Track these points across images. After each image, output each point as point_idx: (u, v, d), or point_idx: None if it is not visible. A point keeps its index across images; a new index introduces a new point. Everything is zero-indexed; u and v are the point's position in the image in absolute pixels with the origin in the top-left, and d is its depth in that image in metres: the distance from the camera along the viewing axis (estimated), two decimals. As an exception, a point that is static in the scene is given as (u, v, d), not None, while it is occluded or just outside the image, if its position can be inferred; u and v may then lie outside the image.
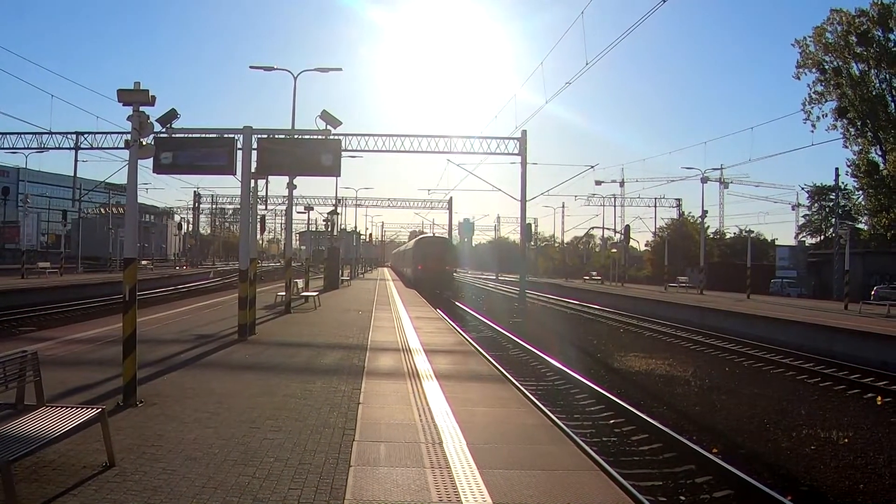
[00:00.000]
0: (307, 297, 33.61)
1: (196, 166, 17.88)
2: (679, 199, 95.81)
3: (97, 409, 7.61)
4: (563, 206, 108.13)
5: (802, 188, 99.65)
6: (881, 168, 73.15)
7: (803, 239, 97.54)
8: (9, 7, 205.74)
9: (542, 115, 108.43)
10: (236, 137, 17.91)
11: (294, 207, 34.43)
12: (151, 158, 14.61)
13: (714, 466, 11.48)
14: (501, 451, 8.56)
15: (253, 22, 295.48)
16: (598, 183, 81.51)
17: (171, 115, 15.00)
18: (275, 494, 6.78)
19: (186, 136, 17.15)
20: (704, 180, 66.57)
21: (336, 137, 19.60)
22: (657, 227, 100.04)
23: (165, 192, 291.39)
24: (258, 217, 27.47)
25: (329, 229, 62.89)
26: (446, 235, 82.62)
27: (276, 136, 19.39)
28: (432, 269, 58.13)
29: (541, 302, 56.19)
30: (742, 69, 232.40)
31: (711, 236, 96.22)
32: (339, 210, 69.95)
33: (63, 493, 6.62)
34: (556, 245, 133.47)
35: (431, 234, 77.85)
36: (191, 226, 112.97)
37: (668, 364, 23.83)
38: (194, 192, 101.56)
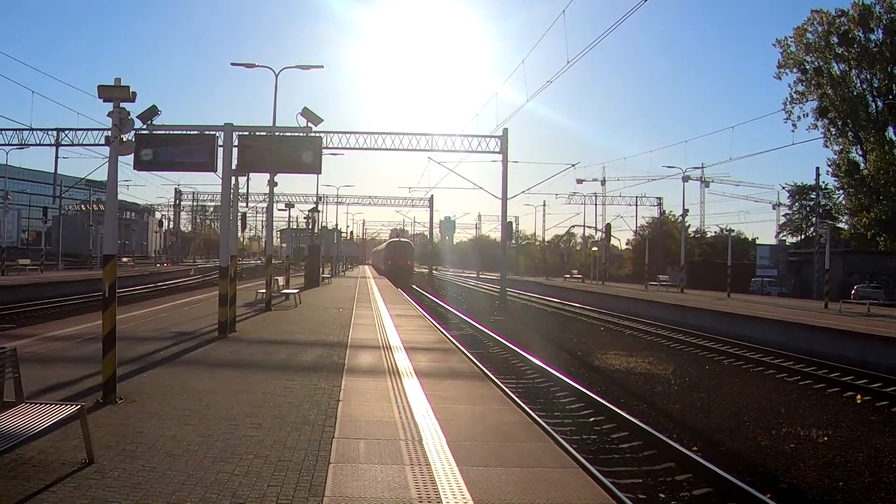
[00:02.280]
0: (288, 294, 33.50)
1: (177, 163, 17.83)
2: (660, 198, 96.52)
3: (76, 405, 7.58)
4: (545, 205, 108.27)
5: (783, 187, 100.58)
6: (862, 168, 73.58)
7: (784, 238, 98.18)
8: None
9: (524, 113, 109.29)
10: (217, 134, 17.85)
11: (275, 205, 34.34)
12: (132, 155, 14.56)
13: (694, 464, 11.51)
14: (481, 448, 8.57)
15: (235, 20, 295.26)
16: (580, 181, 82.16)
17: (152, 112, 14.91)
18: (254, 491, 6.77)
19: (167, 132, 17.03)
20: (685, 179, 66.99)
21: (317, 135, 19.57)
22: (638, 225, 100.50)
23: (146, 189, 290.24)
24: (239, 214, 27.40)
25: (310, 227, 62.78)
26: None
27: (257, 134, 19.31)
28: (398, 263, 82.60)
29: (522, 300, 56.27)
30: (723, 68, 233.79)
31: (692, 235, 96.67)
32: (320, 208, 69.98)
33: (42, 490, 6.57)
34: (538, 243, 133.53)
35: (398, 239, 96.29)
36: (172, 223, 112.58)
37: (648, 362, 23.90)
38: (175, 189, 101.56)
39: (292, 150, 18.47)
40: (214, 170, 17.75)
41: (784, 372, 22.62)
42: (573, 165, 69.94)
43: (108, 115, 10.65)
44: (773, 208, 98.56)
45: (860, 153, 74.98)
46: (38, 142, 51.49)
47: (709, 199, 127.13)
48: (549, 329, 34.41)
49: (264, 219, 77.03)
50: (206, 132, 17.53)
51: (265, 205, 41.70)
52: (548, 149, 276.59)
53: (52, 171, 71.44)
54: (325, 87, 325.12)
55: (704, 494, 10.54)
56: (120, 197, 13.15)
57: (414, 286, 68.34)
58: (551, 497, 6.86)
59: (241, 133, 18.87)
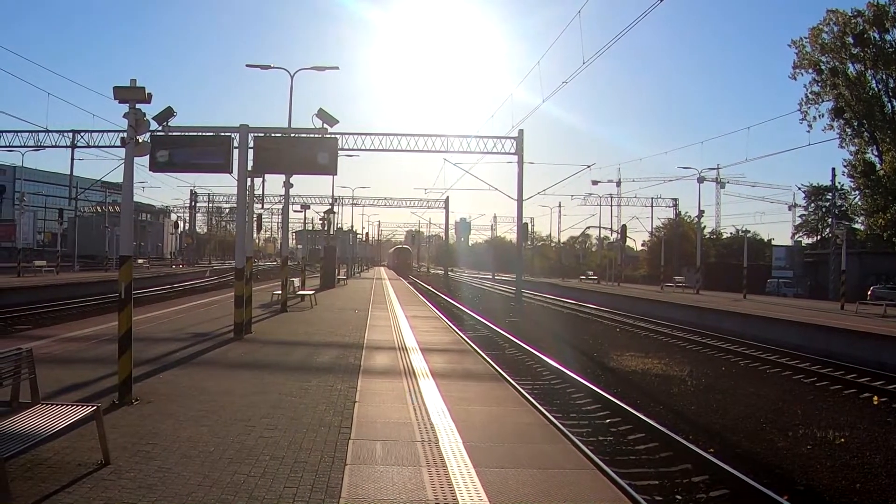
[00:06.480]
0: (303, 295, 33.60)
1: (192, 164, 17.86)
2: (675, 199, 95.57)
3: (92, 406, 7.59)
4: (560, 206, 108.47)
5: (799, 188, 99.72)
6: (878, 168, 73.19)
7: (800, 239, 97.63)
8: (7, 7, 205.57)
9: (539, 114, 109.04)
10: (233, 136, 17.91)
11: (290, 206, 34.36)
12: (148, 156, 14.56)
13: (710, 466, 11.45)
14: (498, 449, 8.56)
15: (250, 21, 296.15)
16: (595, 182, 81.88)
17: (168, 113, 14.95)
18: (270, 493, 6.76)
19: (183, 134, 17.08)
20: (701, 180, 66.56)
21: (332, 136, 19.62)
22: (654, 226, 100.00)
23: (162, 190, 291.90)
24: (254, 216, 27.45)
25: (325, 228, 62.84)
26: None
27: (273, 135, 19.36)
28: (401, 262, 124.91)
29: (537, 301, 56.14)
30: (739, 69, 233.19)
31: (708, 236, 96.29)
32: (335, 209, 69.95)
33: (57, 491, 6.59)
34: (553, 245, 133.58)
35: (402, 246, 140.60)
36: (187, 224, 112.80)
37: (664, 363, 23.79)
38: (191, 190, 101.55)
39: (308, 151, 18.51)
40: (230, 171, 17.80)
41: (800, 373, 22.50)
42: (588, 167, 69.68)
43: (124, 116, 10.68)
44: (789, 209, 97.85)
45: (876, 154, 74.54)
46: (53, 143, 51.60)
47: (724, 200, 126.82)
48: (565, 330, 34.31)
49: (280, 220, 77.16)
50: (222, 133, 17.59)
51: (280, 206, 41.75)
52: (563, 150, 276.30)
53: (68, 173, 71.50)
54: (340, 89, 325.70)
55: (721, 496, 10.48)
56: (135, 198, 13.17)
57: (429, 287, 69.02)
58: (568, 498, 6.85)
59: (256, 134, 18.90)
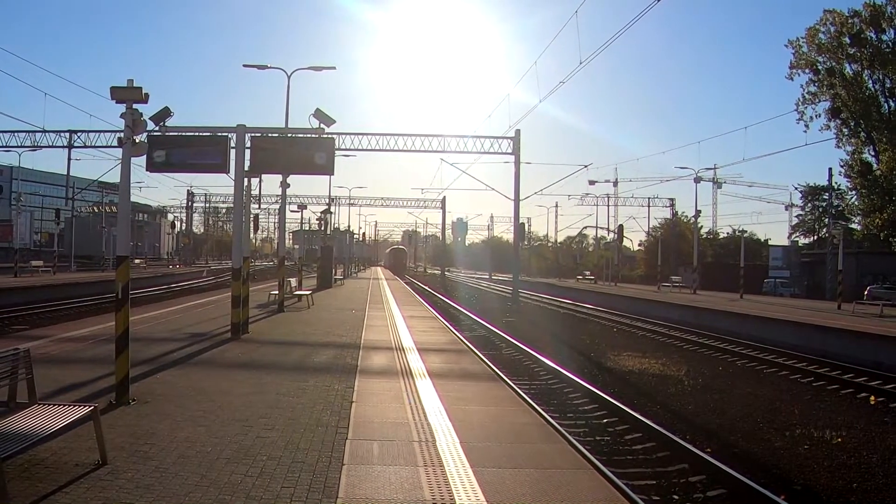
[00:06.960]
0: (300, 296, 33.52)
1: (189, 164, 17.79)
2: (672, 199, 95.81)
3: (89, 407, 7.59)
4: (557, 206, 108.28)
5: (796, 188, 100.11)
6: (874, 168, 73.17)
7: (796, 239, 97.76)
8: (6, 7, 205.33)
9: (536, 114, 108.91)
10: (230, 136, 17.86)
11: (287, 206, 34.33)
12: (144, 156, 14.52)
13: (707, 465, 11.46)
14: (495, 449, 8.55)
15: (249, 21, 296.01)
16: (592, 182, 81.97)
17: (165, 113, 14.89)
18: (268, 493, 6.76)
19: (180, 134, 17.02)
20: (698, 180, 66.77)
21: (330, 136, 19.56)
22: (650, 226, 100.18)
23: (159, 191, 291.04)
24: (251, 216, 27.42)
25: (322, 228, 62.84)
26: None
27: (270, 135, 19.34)
28: (397, 262, 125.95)
29: (534, 301, 56.15)
30: (736, 69, 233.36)
31: (705, 236, 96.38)
32: (332, 209, 70.02)
33: (55, 492, 6.59)
34: (550, 245, 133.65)
35: (398, 247, 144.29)
36: (184, 225, 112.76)
37: (661, 363, 23.78)
38: (187, 190, 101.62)
39: (305, 151, 18.46)
40: (227, 171, 17.75)
41: (797, 373, 22.52)
42: (586, 167, 69.56)
43: (121, 116, 10.67)
44: (786, 209, 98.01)
45: (873, 154, 74.53)
46: (50, 143, 51.76)
47: (721, 200, 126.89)
48: (562, 330, 34.29)
49: (276, 220, 77.15)
50: (219, 133, 17.54)
51: (277, 206, 41.76)
52: (560, 150, 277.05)
53: (65, 173, 71.53)
54: (337, 89, 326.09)
55: (718, 496, 10.49)
56: (132, 198, 13.15)
57: (426, 287, 68.83)
58: (565, 498, 6.85)
59: (253, 134, 18.89)
